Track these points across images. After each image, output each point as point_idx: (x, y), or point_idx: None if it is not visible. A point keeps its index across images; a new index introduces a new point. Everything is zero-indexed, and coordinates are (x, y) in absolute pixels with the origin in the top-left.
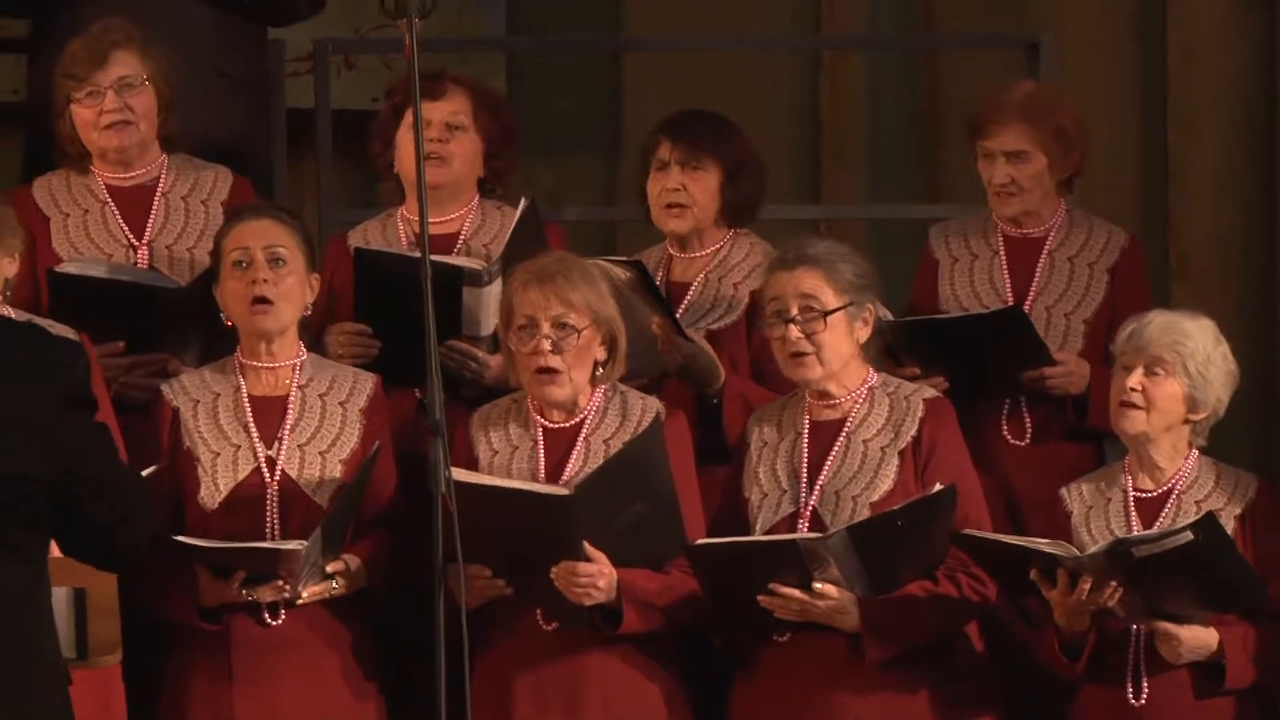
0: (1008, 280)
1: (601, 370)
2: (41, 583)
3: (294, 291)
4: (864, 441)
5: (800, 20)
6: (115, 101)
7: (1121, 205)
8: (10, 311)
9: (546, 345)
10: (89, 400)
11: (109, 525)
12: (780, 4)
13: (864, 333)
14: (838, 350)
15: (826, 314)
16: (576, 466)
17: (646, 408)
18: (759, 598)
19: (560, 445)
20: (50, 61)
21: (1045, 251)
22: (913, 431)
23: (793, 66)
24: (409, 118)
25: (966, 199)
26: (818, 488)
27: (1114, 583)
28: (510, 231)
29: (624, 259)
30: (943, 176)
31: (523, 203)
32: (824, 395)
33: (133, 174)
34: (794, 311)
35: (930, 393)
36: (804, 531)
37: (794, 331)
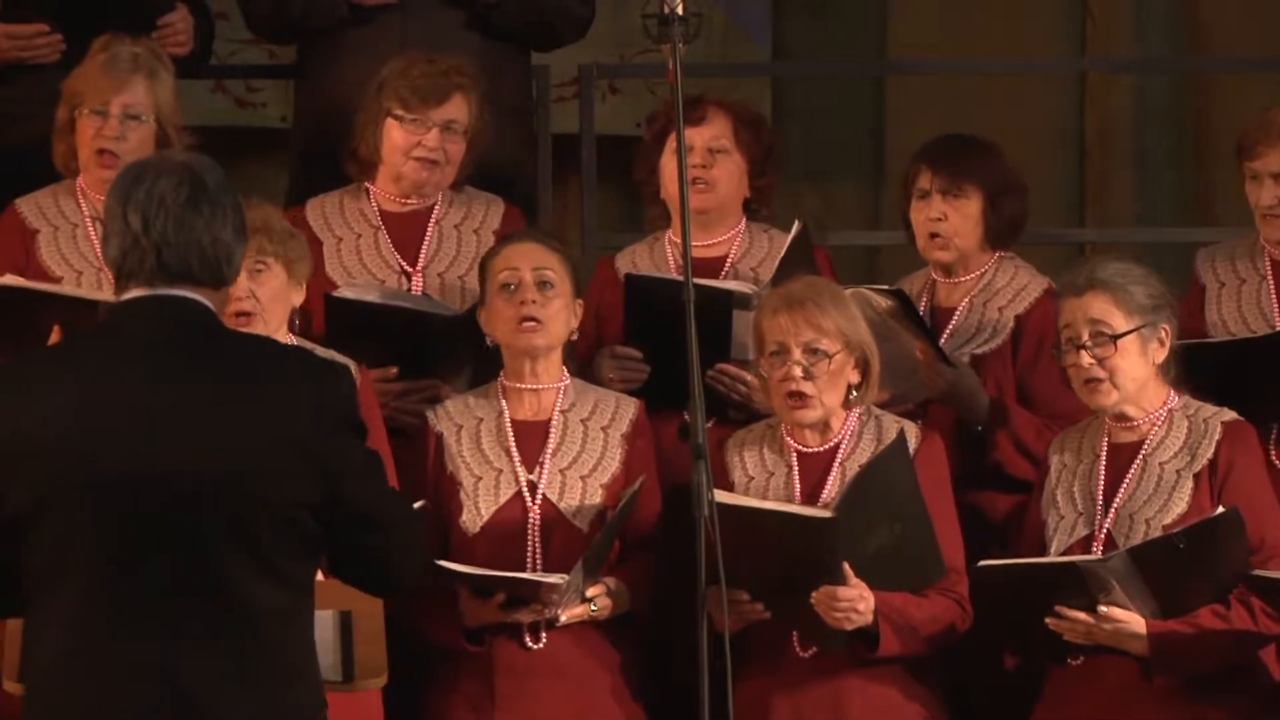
0: (1275, 305)
1: (855, 394)
2: (303, 608)
3: (561, 315)
4: (1160, 464)
5: (1066, 43)
6: (436, 140)
7: None
8: (292, 338)
9: (798, 371)
10: (357, 426)
11: (377, 554)
12: (1046, 27)
13: (1160, 353)
14: (1132, 374)
15: (1116, 338)
16: (832, 492)
17: (900, 429)
18: (1046, 620)
19: (816, 470)
20: (316, 87)
21: None
22: (1209, 454)
23: (1058, 89)
24: (671, 143)
25: (1236, 222)
26: (1113, 510)
27: None
28: (782, 255)
29: (885, 288)
30: (1212, 199)
31: (795, 226)
32: (1122, 418)
33: (409, 201)
34: (1085, 338)
35: (1230, 415)
36: (1098, 554)
37: (1086, 358)
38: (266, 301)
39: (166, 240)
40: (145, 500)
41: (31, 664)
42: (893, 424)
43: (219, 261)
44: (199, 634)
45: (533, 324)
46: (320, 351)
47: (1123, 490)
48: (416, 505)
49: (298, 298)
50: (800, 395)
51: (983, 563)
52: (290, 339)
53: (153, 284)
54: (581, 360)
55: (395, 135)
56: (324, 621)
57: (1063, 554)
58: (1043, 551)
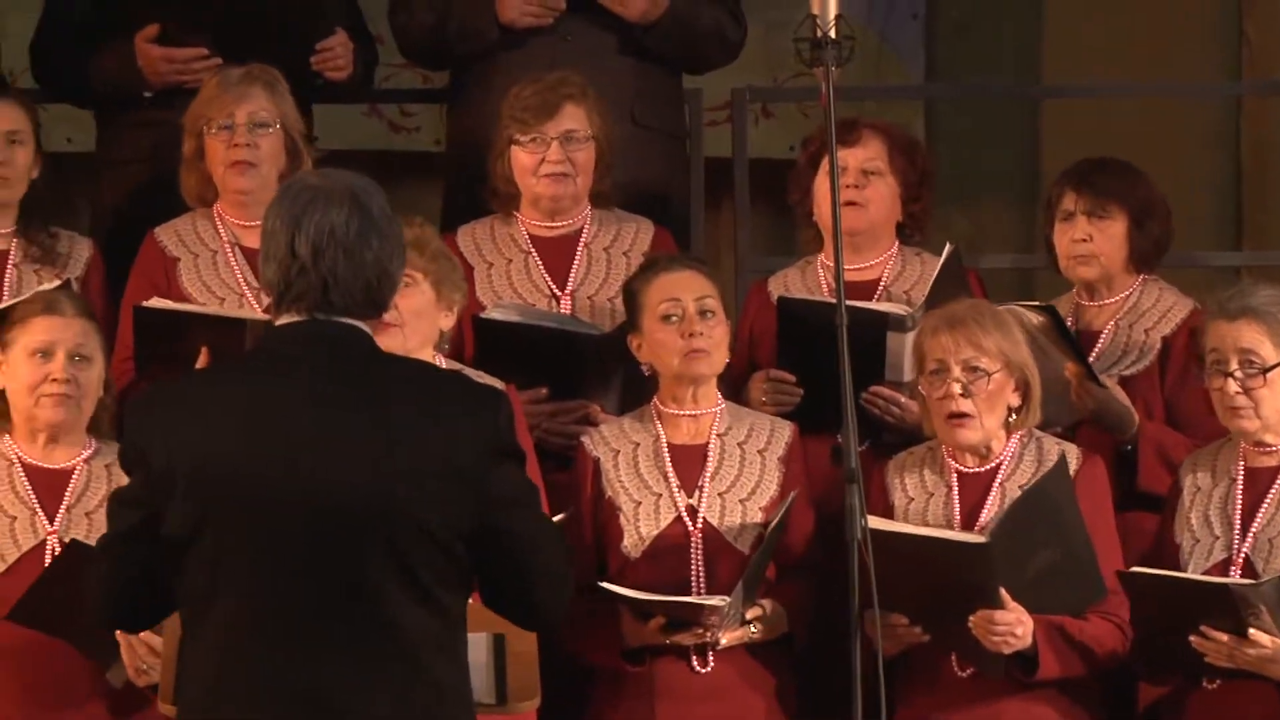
0: None
1: (1015, 416)
2: (457, 633)
3: (723, 342)
4: None
5: (1221, 66)
6: (559, 153)
7: None
8: (441, 360)
9: (957, 389)
10: (515, 452)
11: (529, 583)
12: (1201, 50)
13: None
14: (1276, 404)
15: (1266, 370)
16: (992, 513)
17: (1061, 451)
18: (1190, 639)
19: (975, 491)
20: (468, 111)
21: None
22: None
23: (1213, 112)
24: (825, 166)
25: None
26: (1251, 534)
27: None
28: (934, 278)
29: (1037, 304)
30: None
31: (947, 249)
32: (1260, 443)
33: (557, 224)
34: (1233, 365)
35: None
36: (1236, 578)
37: (1232, 386)
38: (409, 315)
39: (335, 274)
40: (303, 524)
41: (186, 688)
42: (1053, 446)
43: (383, 292)
44: (353, 659)
45: (702, 354)
46: (481, 379)
47: (1261, 514)
48: (559, 517)
49: (446, 321)
50: (960, 414)
51: (1135, 569)
52: (438, 360)
53: (312, 311)
54: (733, 383)
55: (520, 158)
56: (477, 644)
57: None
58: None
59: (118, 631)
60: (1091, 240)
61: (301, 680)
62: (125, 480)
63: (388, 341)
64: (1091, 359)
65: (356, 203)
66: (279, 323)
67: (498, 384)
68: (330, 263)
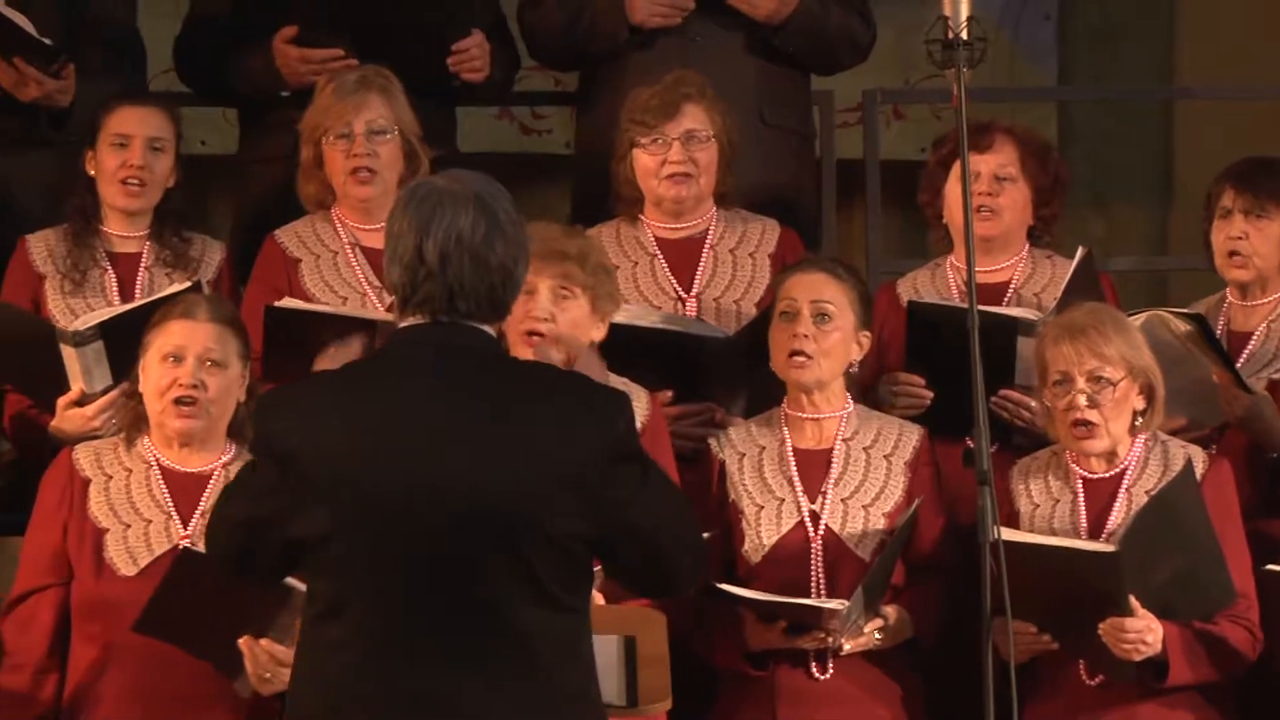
0: None
1: (1140, 420)
2: (581, 634)
3: (837, 349)
4: None
5: None
6: (680, 154)
7: None
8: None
9: (1082, 400)
10: (637, 456)
11: (658, 565)
12: None
13: None
14: None
15: None
16: (1119, 518)
17: (1187, 456)
18: None
19: (1101, 497)
20: (597, 113)
21: None
22: None
23: None
24: (958, 168)
25: None
26: None
27: None
28: (1067, 282)
29: (1185, 311)
30: None
31: (1080, 252)
32: None
33: (682, 225)
34: None
35: None
36: None
37: None
38: (566, 326)
39: (461, 281)
40: (425, 527)
41: (311, 690)
42: (1179, 450)
43: (506, 297)
44: (479, 663)
45: (801, 358)
46: (611, 380)
47: None
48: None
49: (598, 333)
50: (1086, 424)
51: (1270, 566)
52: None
53: (436, 315)
54: (863, 386)
55: (643, 160)
56: (607, 646)
57: None
58: None
59: (241, 640)
60: (1248, 239)
61: (426, 684)
62: None
63: (544, 353)
64: (1241, 360)
65: (483, 206)
66: (403, 324)
67: (637, 388)
68: (457, 269)
